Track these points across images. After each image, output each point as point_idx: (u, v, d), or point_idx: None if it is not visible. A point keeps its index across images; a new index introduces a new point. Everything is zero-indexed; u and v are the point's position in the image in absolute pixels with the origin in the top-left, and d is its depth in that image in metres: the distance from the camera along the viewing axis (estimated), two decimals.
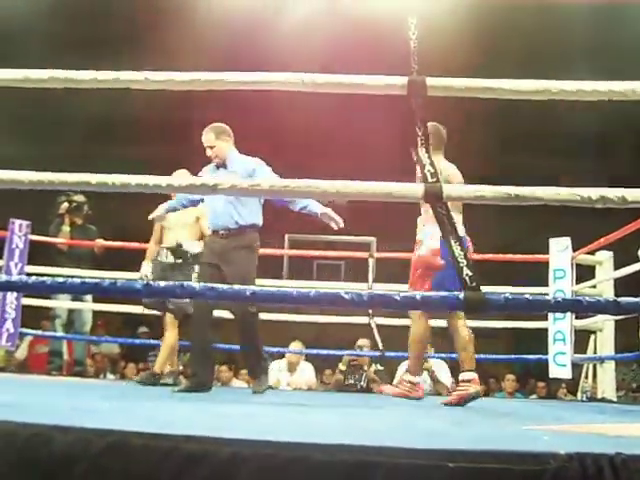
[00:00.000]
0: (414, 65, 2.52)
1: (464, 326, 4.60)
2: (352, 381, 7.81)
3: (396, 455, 1.76)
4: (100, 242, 7.55)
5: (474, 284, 2.30)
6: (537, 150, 12.51)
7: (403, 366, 7.75)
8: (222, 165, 5.12)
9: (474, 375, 4.63)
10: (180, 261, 5.77)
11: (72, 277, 2.73)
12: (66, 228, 7.52)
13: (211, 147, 5.04)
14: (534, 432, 2.62)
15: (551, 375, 6.68)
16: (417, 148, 2.46)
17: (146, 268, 5.89)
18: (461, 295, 2.28)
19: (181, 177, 5.56)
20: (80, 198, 7.46)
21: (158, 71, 2.77)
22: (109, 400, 3.76)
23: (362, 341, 7.94)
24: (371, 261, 7.39)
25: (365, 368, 7.88)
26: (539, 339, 7.07)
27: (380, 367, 8.00)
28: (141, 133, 12.22)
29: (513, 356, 8.97)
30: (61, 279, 2.60)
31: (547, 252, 6.71)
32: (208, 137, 5.06)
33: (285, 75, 2.63)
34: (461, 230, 4.36)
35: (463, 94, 2.61)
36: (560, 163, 12.18)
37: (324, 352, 8.16)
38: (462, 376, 4.66)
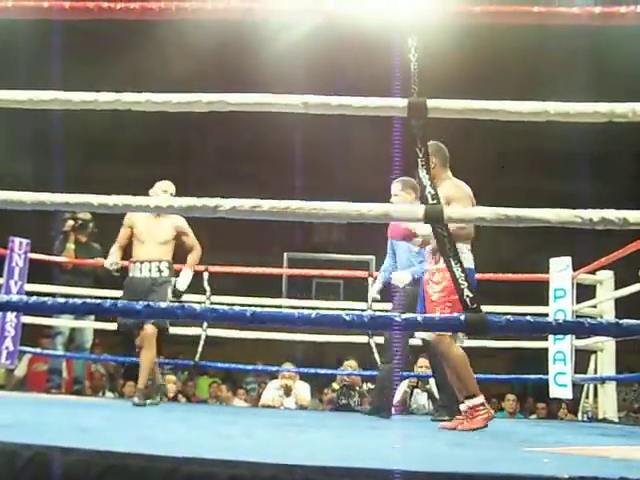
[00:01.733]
0: (414, 87, 2.53)
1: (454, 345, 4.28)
2: (345, 401, 7.80)
3: (397, 478, 1.76)
4: (102, 260, 7.52)
5: (474, 306, 2.30)
6: (533, 169, 12.55)
7: (402, 387, 7.74)
8: None
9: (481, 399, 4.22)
10: (160, 279, 5.65)
11: (73, 297, 2.72)
12: (70, 246, 7.50)
13: None
14: (536, 454, 2.61)
15: (552, 395, 6.66)
16: (417, 169, 2.46)
17: (113, 257, 5.74)
18: (462, 317, 2.28)
19: (165, 188, 5.67)
20: (85, 216, 7.43)
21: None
22: (109, 420, 3.75)
23: (348, 363, 7.94)
24: (370, 280, 7.38)
25: (357, 388, 7.87)
26: (538, 359, 7.06)
27: (372, 386, 8.00)
28: (139, 153, 12.27)
29: (513, 376, 8.94)
30: (62, 299, 2.60)
31: (546, 271, 6.72)
32: None
33: (286, 97, 2.64)
34: (469, 260, 4.15)
35: (463, 115, 2.62)
36: (559, 182, 12.19)
37: (314, 371, 8.08)
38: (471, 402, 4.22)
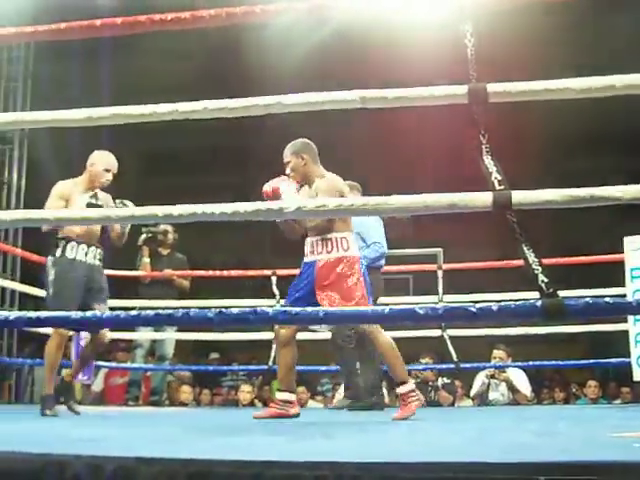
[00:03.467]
0: (473, 72, 2.49)
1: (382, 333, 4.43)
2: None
3: (481, 471, 1.73)
4: (169, 272, 7.57)
5: (551, 290, 2.24)
6: (594, 150, 12.32)
7: (480, 378, 7.67)
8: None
9: (412, 386, 4.37)
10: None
11: (151, 309, 2.74)
12: (145, 260, 7.54)
13: None
14: (625, 440, 2.54)
15: (635, 378, 6.51)
16: (482, 156, 2.41)
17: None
18: (539, 302, 2.23)
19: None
20: (158, 228, 7.43)
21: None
22: (189, 428, 3.77)
23: (424, 360, 7.90)
24: (440, 273, 7.32)
25: (431, 383, 7.82)
26: (619, 342, 6.92)
27: (447, 380, 7.93)
28: (196, 161, 12.40)
29: (593, 361, 8.78)
30: (134, 312, 2.61)
31: (619, 252, 6.57)
32: None
33: (342, 94, 2.61)
34: (356, 249, 4.44)
35: (525, 97, 2.56)
36: (617, 161, 11.94)
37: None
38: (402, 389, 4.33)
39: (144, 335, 7.48)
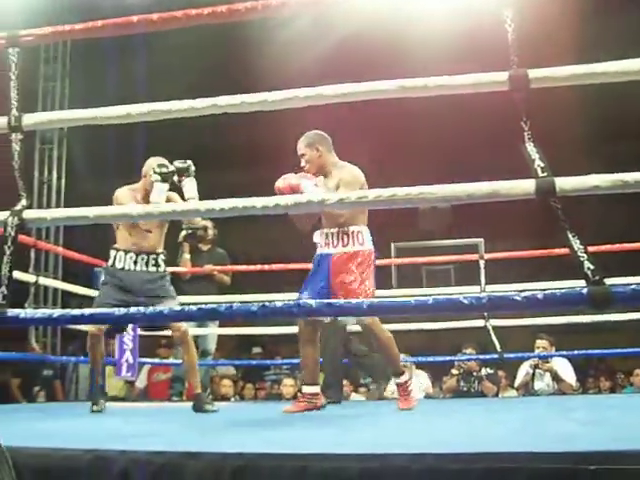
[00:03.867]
0: (514, 58, 2.46)
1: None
2: (465, 387, 7.73)
3: (532, 460, 1.71)
4: (210, 267, 7.59)
5: (597, 278, 2.21)
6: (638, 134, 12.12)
7: (524, 368, 7.61)
8: None
9: (409, 376, 4.54)
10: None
11: (190, 304, 2.74)
12: (186, 256, 7.56)
13: None
14: None
15: None
16: (524, 143, 2.38)
17: None
18: (584, 290, 2.20)
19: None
20: (197, 225, 7.40)
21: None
22: (233, 422, 3.78)
23: (467, 350, 7.85)
24: (482, 263, 7.27)
25: (475, 373, 7.77)
26: None
27: (490, 370, 7.88)
28: (232, 157, 12.41)
29: (639, 349, 8.65)
30: (178, 308, 2.62)
31: None
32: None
33: (383, 83, 2.59)
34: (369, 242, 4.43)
35: (568, 82, 2.52)
36: None
37: (432, 359, 8.05)
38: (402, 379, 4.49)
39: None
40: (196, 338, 7.54)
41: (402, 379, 4.46)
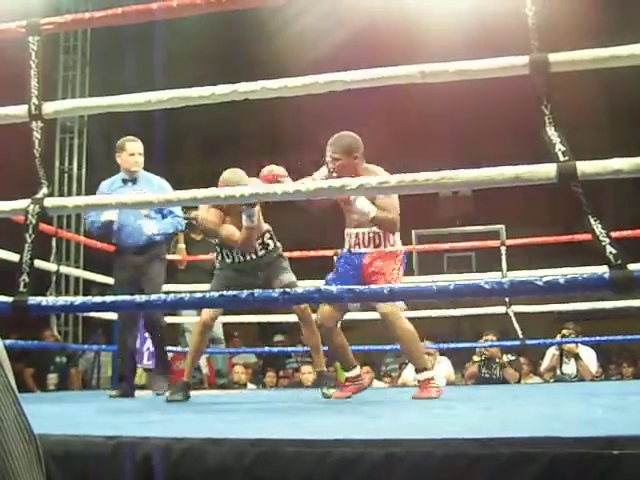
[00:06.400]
0: (534, 42, 2.43)
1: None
2: (487, 373, 7.72)
3: (555, 445, 1.70)
4: (203, 257, 7.59)
5: (619, 262, 2.19)
6: None
7: (551, 351, 7.61)
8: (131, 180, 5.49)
9: (431, 374, 4.37)
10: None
11: (195, 292, 2.74)
12: (181, 245, 7.65)
13: None
14: None
15: None
16: (545, 127, 2.36)
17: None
18: (606, 274, 2.18)
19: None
20: (190, 215, 7.38)
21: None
22: (254, 410, 3.79)
23: (488, 337, 7.83)
24: (503, 249, 7.24)
25: (497, 359, 7.75)
26: None
27: (512, 357, 7.85)
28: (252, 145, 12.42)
29: None
30: (199, 295, 2.63)
31: None
32: None
33: (404, 68, 2.58)
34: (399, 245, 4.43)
35: (590, 66, 2.49)
36: None
37: (454, 346, 8.06)
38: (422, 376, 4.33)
39: (190, 319, 7.46)
40: None
41: (423, 376, 4.31)
